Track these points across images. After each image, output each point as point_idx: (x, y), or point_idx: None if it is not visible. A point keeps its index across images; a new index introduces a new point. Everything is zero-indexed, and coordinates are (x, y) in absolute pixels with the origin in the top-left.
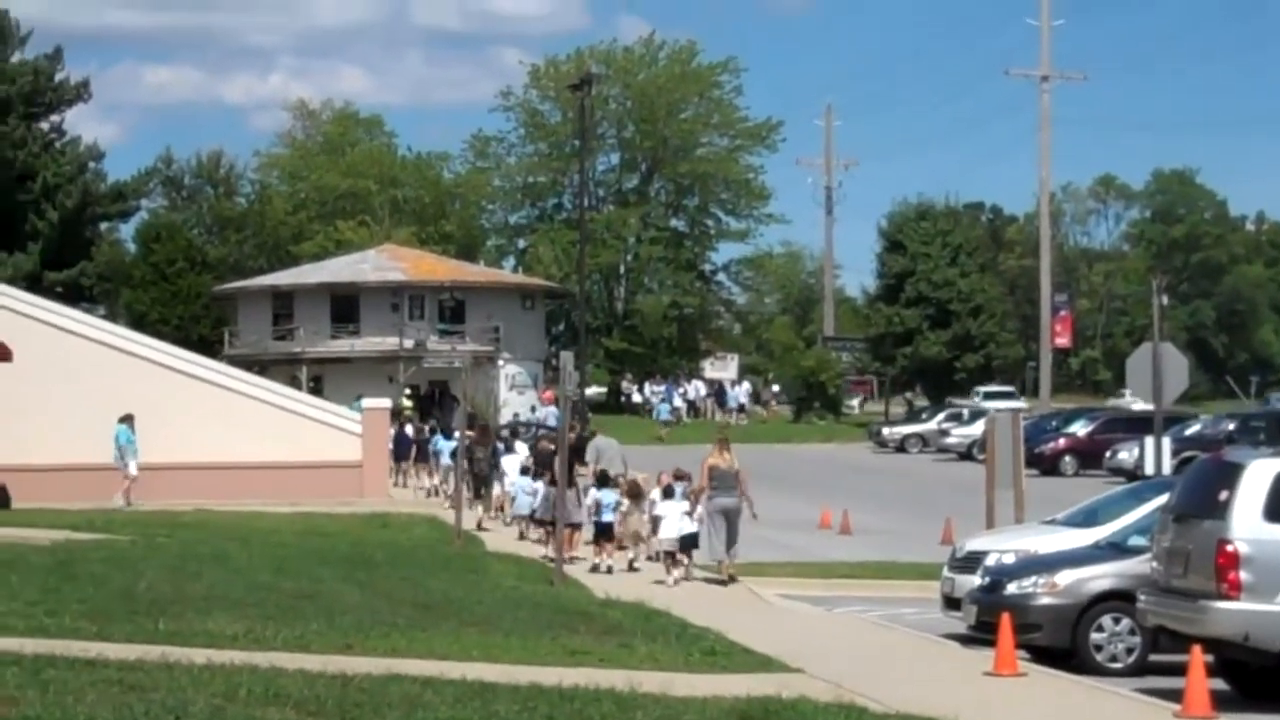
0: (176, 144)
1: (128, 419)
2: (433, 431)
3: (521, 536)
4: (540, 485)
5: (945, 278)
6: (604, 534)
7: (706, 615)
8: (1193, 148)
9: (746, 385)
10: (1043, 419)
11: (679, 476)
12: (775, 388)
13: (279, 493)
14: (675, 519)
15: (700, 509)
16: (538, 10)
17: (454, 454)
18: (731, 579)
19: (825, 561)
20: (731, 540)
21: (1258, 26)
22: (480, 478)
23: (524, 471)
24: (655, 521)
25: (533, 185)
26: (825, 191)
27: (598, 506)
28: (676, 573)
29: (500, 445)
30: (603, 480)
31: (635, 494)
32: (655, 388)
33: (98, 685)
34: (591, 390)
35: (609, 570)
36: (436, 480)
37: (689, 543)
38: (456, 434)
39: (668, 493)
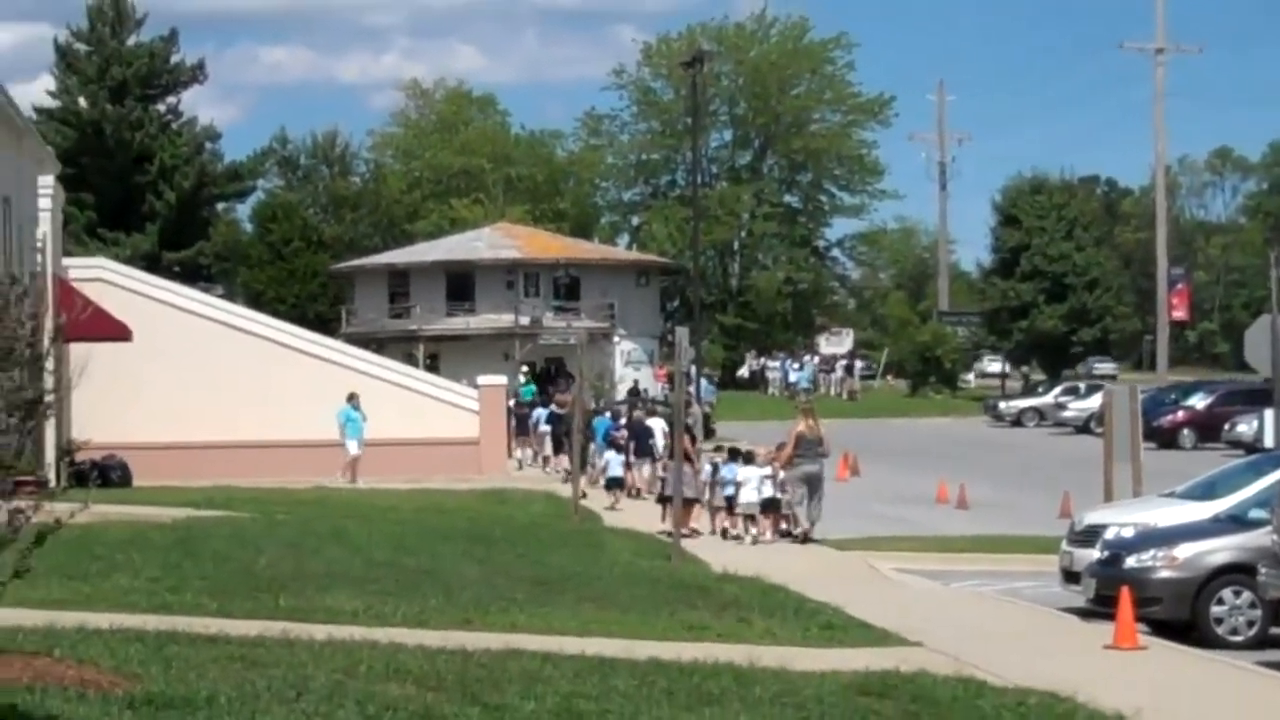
0: (291, 124)
1: (352, 398)
2: (531, 406)
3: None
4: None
5: (1060, 251)
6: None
7: (823, 590)
8: None
9: (860, 363)
10: (1161, 392)
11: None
12: (859, 363)
13: (398, 469)
14: (754, 484)
15: (783, 474)
16: None
17: (551, 422)
18: (809, 539)
19: (942, 535)
20: (817, 502)
21: None
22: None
23: (611, 444)
24: (737, 487)
25: (646, 162)
26: (939, 166)
27: (722, 482)
28: (755, 531)
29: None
30: (733, 455)
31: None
32: (772, 362)
33: (219, 661)
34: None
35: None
36: (537, 450)
37: (770, 505)
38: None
39: (745, 459)
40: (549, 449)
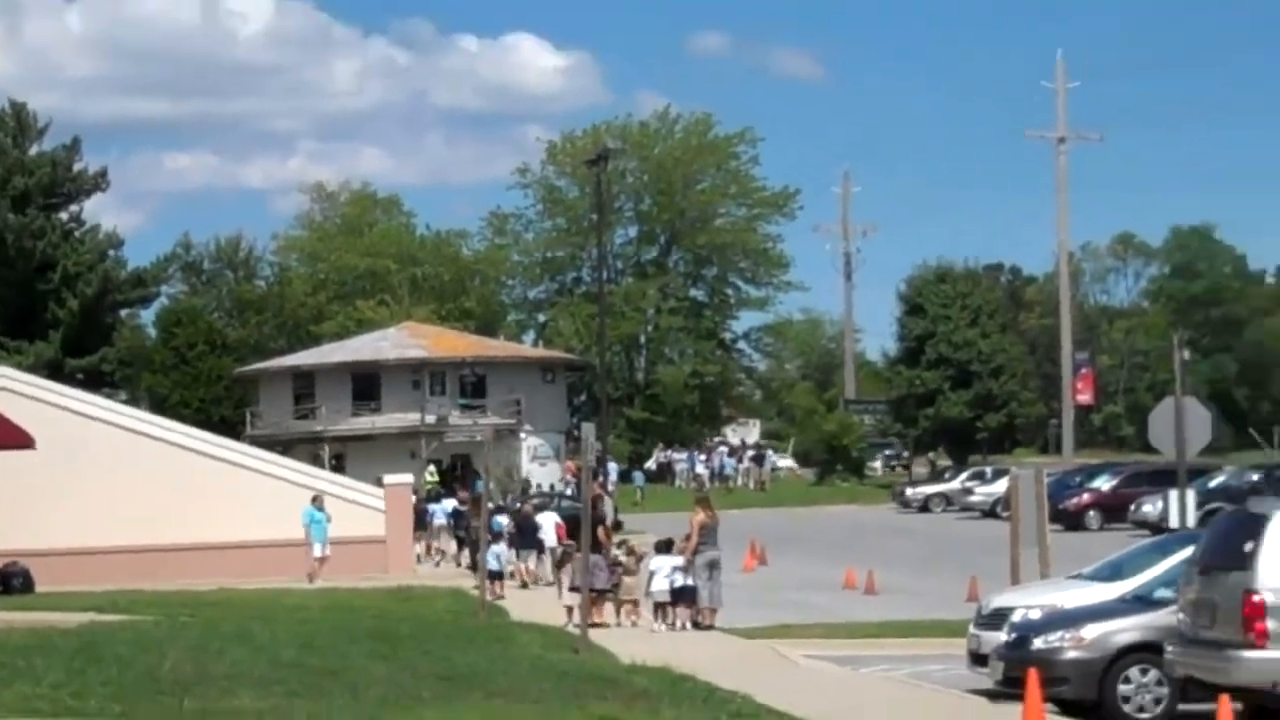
0: (195, 229)
1: (316, 499)
2: (427, 500)
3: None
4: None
5: (966, 339)
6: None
7: (733, 678)
8: (1210, 204)
9: (770, 453)
10: (1067, 474)
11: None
12: (771, 453)
13: (303, 570)
14: (665, 572)
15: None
16: (556, 88)
17: (454, 518)
18: (710, 626)
19: (851, 621)
20: (717, 585)
21: (1271, 84)
22: (472, 544)
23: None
24: (650, 576)
25: (551, 260)
26: (844, 257)
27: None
28: (666, 621)
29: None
30: (659, 547)
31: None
32: (677, 455)
33: None
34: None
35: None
36: (431, 543)
37: (681, 594)
38: (449, 501)
39: (662, 548)
40: (444, 542)
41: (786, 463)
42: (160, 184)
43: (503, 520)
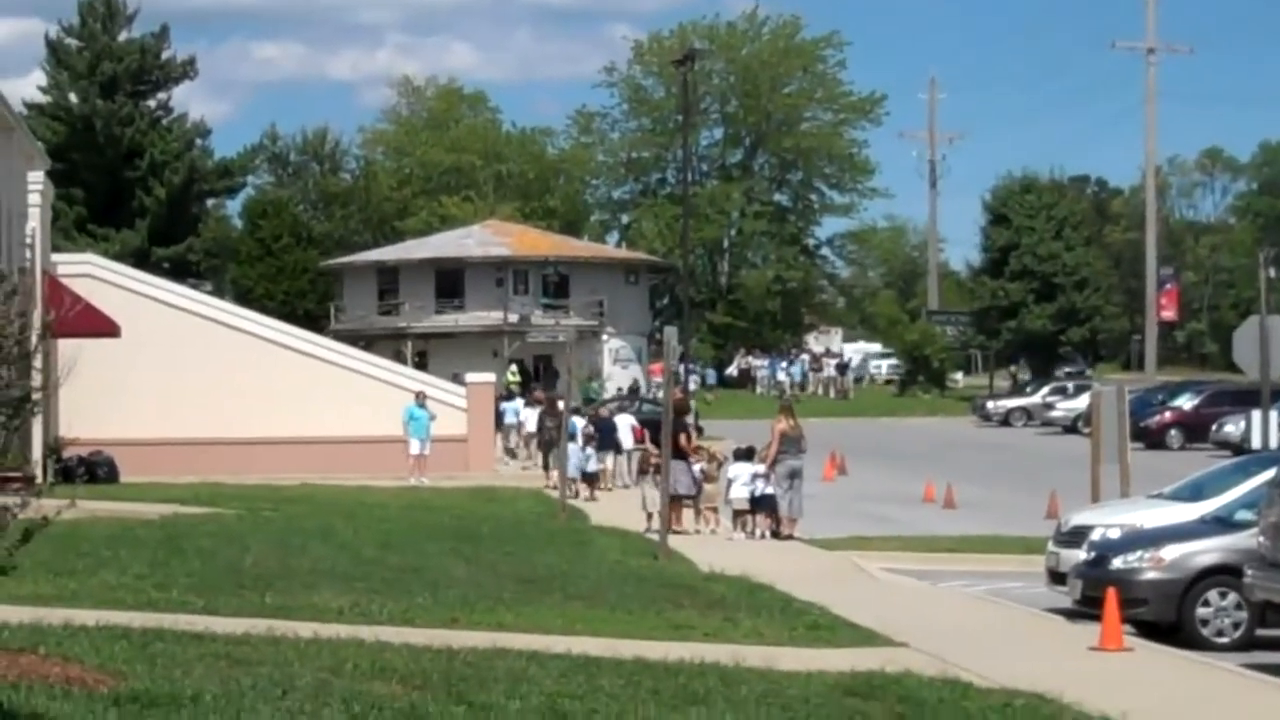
0: (282, 121)
1: (419, 396)
2: (504, 398)
3: (577, 494)
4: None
5: (1050, 251)
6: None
7: (811, 589)
8: None
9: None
10: (1148, 392)
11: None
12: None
13: (385, 467)
14: (745, 480)
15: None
16: None
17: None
18: (790, 536)
19: (929, 535)
20: (797, 495)
21: None
22: (548, 445)
23: (572, 438)
24: (728, 484)
25: (636, 160)
26: (929, 165)
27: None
28: (742, 532)
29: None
30: (740, 454)
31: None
32: (758, 361)
33: (205, 659)
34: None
35: (762, 536)
36: (509, 443)
37: (761, 502)
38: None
39: (742, 455)
40: (511, 441)
41: (886, 367)
42: (248, 74)
43: (579, 422)
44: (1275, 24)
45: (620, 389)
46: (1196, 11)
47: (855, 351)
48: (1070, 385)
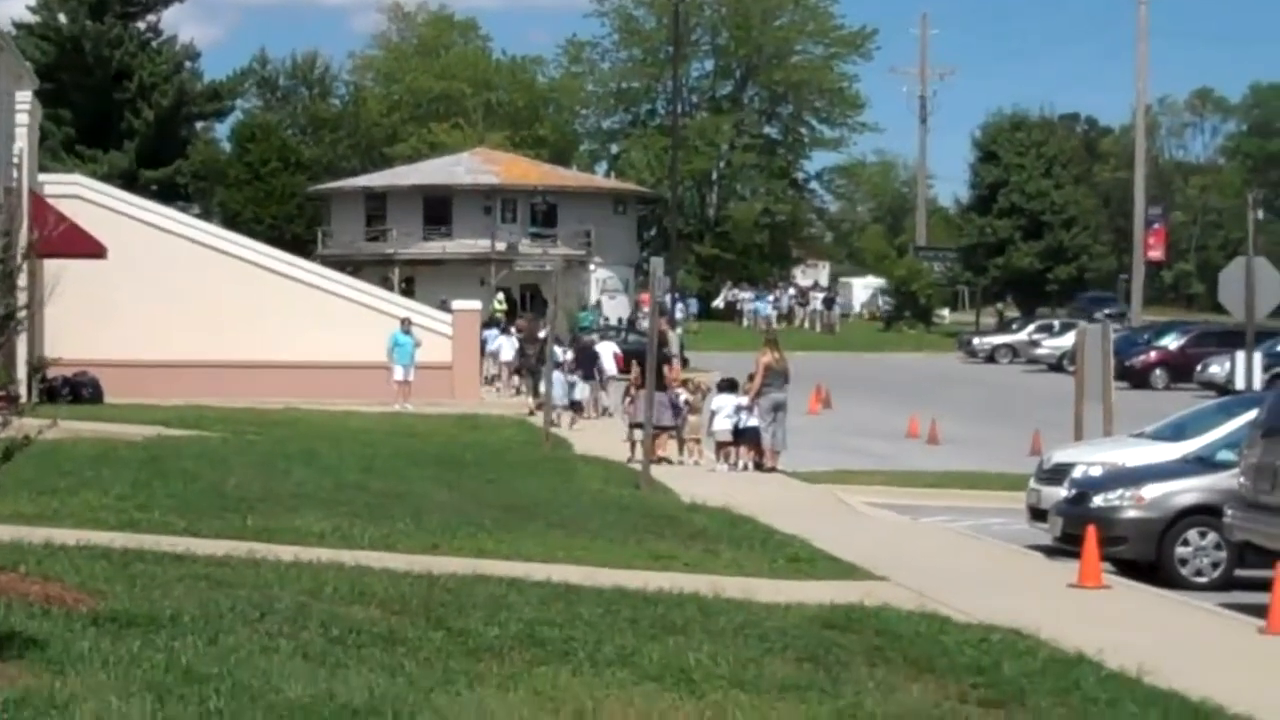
0: (272, 45)
1: (405, 323)
2: (484, 325)
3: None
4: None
5: (1039, 189)
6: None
7: (792, 522)
8: None
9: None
10: (1134, 331)
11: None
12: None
13: (369, 393)
14: (728, 412)
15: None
16: None
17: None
18: (772, 468)
19: (912, 470)
20: (780, 428)
21: None
22: (533, 373)
23: (559, 366)
24: (711, 415)
25: (626, 91)
26: (919, 101)
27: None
28: (725, 464)
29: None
30: (723, 386)
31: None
32: (744, 294)
33: (185, 580)
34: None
35: (745, 468)
36: (488, 370)
37: (746, 435)
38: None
39: (726, 387)
40: (489, 368)
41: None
42: None
43: (558, 350)
44: None
45: (607, 319)
46: None
47: (865, 287)
48: (1056, 323)
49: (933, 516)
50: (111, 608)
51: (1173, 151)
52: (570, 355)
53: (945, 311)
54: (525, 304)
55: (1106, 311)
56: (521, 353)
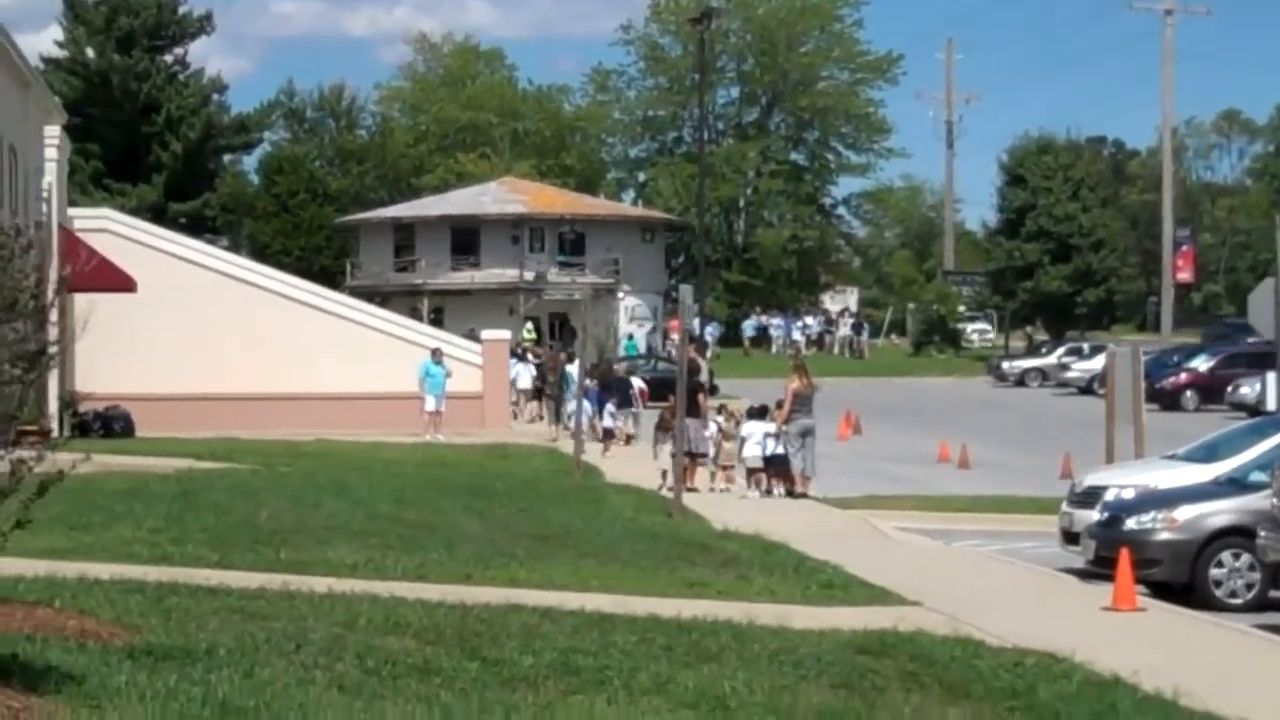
0: (299, 77)
1: (435, 353)
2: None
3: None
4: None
5: (1066, 212)
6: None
7: (824, 548)
8: None
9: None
10: (1164, 353)
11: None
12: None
13: (399, 423)
14: (758, 439)
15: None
16: None
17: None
18: (803, 494)
19: (944, 495)
20: (810, 453)
21: None
22: (552, 399)
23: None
24: (742, 442)
25: (653, 119)
26: (946, 125)
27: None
28: (756, 491)
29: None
30: (752, 413)
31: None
32: (774, 320)
33: (220, 613)
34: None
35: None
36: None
37: (776, 462)
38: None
39: (756, 414)
40: (510, 396)
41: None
42: (265, 29)
43: (573, 372)
44: None
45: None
46: None
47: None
48: (1085, 346)
49: (965, 541)
50: (147, 641)
51: (1200, 173)
52: (592, 382)
53: (986, 326)
54: (554, 333)
55: (1250, 340)
56: (543, 380)
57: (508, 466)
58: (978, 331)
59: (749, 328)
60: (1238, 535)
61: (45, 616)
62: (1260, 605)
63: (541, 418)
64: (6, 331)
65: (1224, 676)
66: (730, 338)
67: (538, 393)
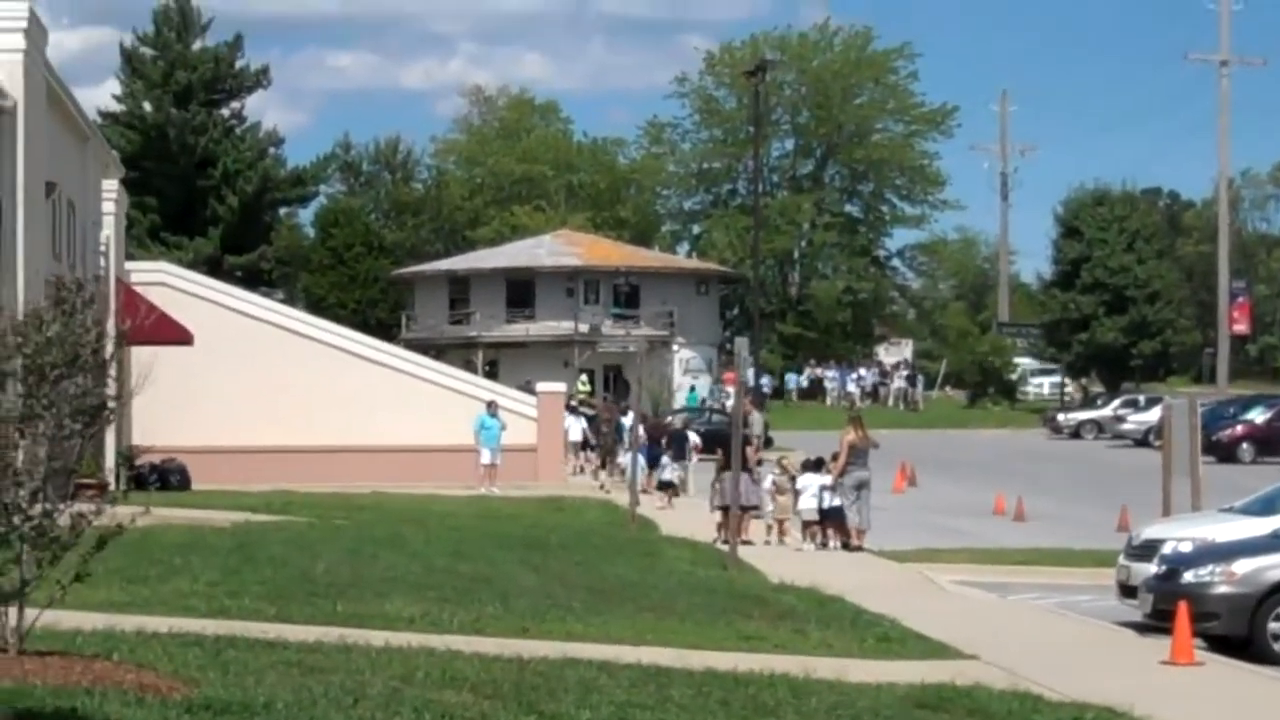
0: (355, 130)
1: (491, 405)
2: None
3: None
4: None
5: (1122, 264)
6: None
7: (880, 601)
8: None
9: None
10: (1220, 405)
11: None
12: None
13: (454, 476)
14: (813, 491)
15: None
16: None
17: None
18: (859, 547)
19: (1000, 548)
20: (866, 506)
21: None
22: (606, 449)
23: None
24: (797, 495)
25: (707, 171)
26: (1001, 177)
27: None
28: (811, 543)
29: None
30: (808, 465)
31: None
32: (828, 372)
33: (277, 667)
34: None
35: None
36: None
37: (830, 514)
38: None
39: (811, 467)
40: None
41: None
42: (321, 83)
43: (626, 423)
44: None
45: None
46: (1270, 24)
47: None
48: (1141, 398)
49: (1021, 594)
50: (205, 695)
51: (1256, 224)
52: (644, 434)
53: (1044, 380)
54: (609, 385)
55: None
56: (597, 431)
57: (562, 519)
58: (1052, 384)
59: (796, 380)
60: None
61: (104, 670)
62: None
63: (582, 470)
64: (68, 386)
65: None
66: (779, 390)
67: (585, 444)
